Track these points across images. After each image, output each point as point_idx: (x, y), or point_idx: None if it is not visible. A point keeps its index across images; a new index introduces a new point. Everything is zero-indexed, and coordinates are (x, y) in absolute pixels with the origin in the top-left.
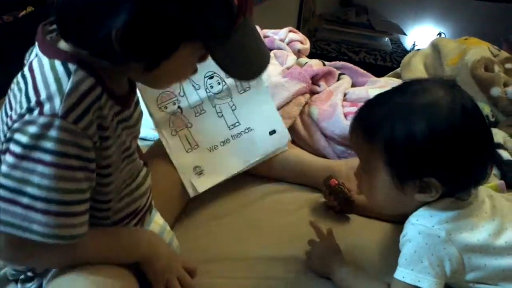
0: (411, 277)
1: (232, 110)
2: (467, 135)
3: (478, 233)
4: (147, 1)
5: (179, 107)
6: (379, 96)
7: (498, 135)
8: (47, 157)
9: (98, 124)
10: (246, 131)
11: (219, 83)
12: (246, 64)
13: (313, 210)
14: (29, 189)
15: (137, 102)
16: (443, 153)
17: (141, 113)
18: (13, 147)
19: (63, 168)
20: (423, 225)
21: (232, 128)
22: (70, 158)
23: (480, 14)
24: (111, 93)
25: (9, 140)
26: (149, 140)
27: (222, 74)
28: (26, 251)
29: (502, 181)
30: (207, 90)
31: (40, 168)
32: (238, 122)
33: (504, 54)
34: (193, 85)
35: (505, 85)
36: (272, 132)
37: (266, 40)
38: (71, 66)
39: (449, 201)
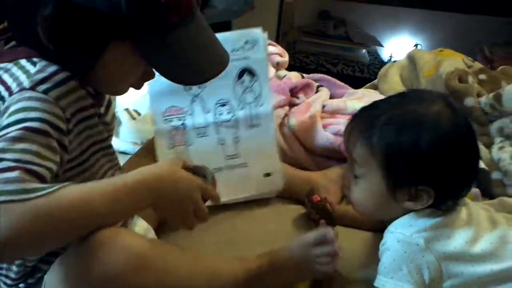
0: (390, 285)
1: (235, 142)
2: (467, 147)
3: (455, 240)
4: None
5: (183, 124)
6: (379, 102)
7: None
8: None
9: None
10: (242, 166)
11: (229, 113)
12: (190, 66)
13: (294, 221)
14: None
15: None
16: (444, 164)
17: (114, 116)
18: None
19: (27, 130)
20: (402, 233)
21: (228, 159)
22: (44, 123)
23: (455, 25)
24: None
25: None
26: (129, 154)
27: (235, 104)
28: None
29: (477, 189)
30: (216, 116)
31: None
32: (236, 155)
33: (478, 65)
34: (202, 108)
35: (478, 95)
36: (267, 174)
37: None
38: (36, 59)
39: (429, 211)
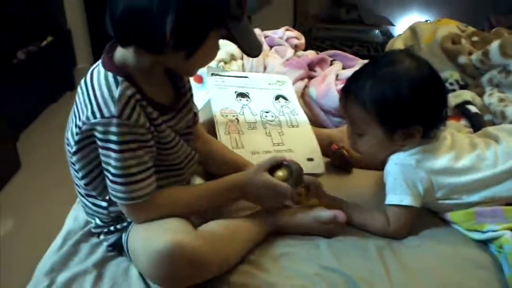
0: (396, 199)
1: (280, 134)
2: (434, 86)
3: (441, 159)
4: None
5: (236, 119)
6: (363, 69)
7: (467, 94)
8: (114, 146)
9: (147, 117)
10: (288, 150)
11: (272, 116)
12: (253, 42)
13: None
14: (111, 169)
15: (190, 109)
16: (422, 103)
17: (191, 117)
18: (97, 141)
19: (127, 151)
20: (398, 158)
21: (276, 146)
22: (130, 143)
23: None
24: (149, 101)
25: (84, 138)
26: None
27: (276, 112)
28: (132, 212)
29: (471, 129)
30: (262, 118)
31: (112, 154)
32: (282, 143)
33: (470, 29)
34: (251, 112)
35: (470, 53)
36: (310, 159)
37: (266, 39)
38: (119, 78)
39: (418, 141)
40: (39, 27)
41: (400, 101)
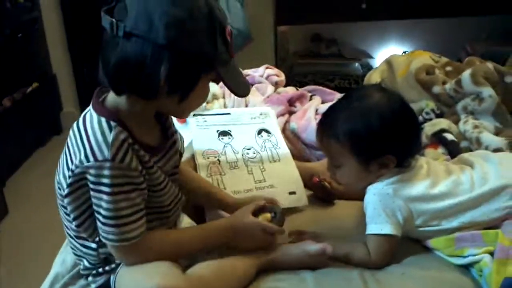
0: (375, 229)
1: (261, 171)
2: (404, 117)
3: (417, 187)
4: (178, 46)
5: (218, 160)
6: (336, 104)
7: (443, 122)
8: (106, 189)
9: (139, 160)
10: (269, 187)
11: (254, 153)
12: (241, 83)
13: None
14: (102, 211)
15: (176, 150)
16: (393, 134)
17: (177, 157)
18: (89, 184)
19: (119, 193)
20: (375, 188)
21: (257, 183)
22: (123, 186)
23: (437, 29)
24: (140, 143)
25: (77, 181)
26: None
27: (258, 148)
28: (122, 254)
29: (449, 157)
30: (244, 156)
31: (104, 197)
32: (264, 179)
33: (444, 60)
34: (233, 151)
35: (444, 83)
36: (292, 193)
37: (248, 78)
38: (113, 123)
39: (395, 171)
40: (25, 73)
41: (371, 133)
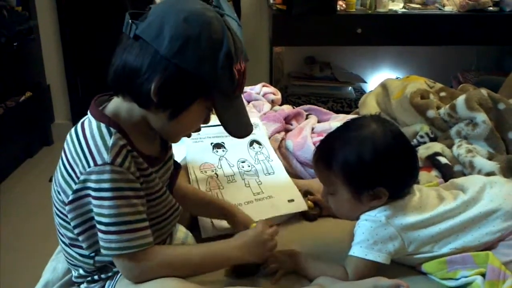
0: (360, 252)
1: (258, 184)
2: (399, 151)
3: (409, 215)
4: (177, 61)
5: (216, 174)
6: (333, 132)
7: (437, 146)
8: (107, 194)
9: (137, 167)
10: (268, 198)
11: (249, 166)
12: (237, 125)
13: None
14: (103, 219)
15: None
16: (385, 167)
17: (172, 167)
18: (90, 192)
19: (121, 198)
20: (368, 215)
21: (256, 195)
22: (124, 190)
23: (430, 57)
24: (139, 152)
25: (83, 188)
26: None
27: (252, 161)
28: (126, 265)
29: (442, 179)
30: (239, 169)
31: (105, 203)
32: (262, 191)
33: (438, 85)
34: (228, 164)
35: (438, 108)
36: (291, 200)
37: (244, 95)
38: (112, 129)
39: (388, 201)
40: (19, 82)
41: (363, 164)
